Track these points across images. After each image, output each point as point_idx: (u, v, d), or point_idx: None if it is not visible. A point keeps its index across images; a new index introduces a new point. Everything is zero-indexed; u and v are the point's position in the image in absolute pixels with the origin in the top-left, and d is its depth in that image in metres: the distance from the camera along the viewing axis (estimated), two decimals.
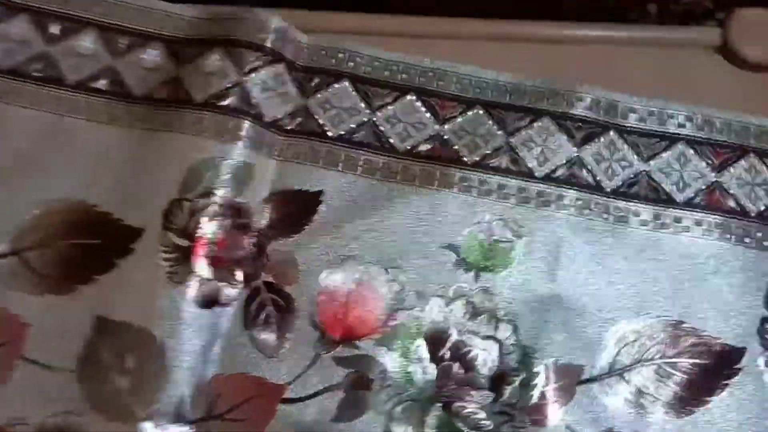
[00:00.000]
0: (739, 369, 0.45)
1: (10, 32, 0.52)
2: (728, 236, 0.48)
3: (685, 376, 0.45)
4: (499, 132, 0.51)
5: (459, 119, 0.51)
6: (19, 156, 0.49)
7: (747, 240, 0.48)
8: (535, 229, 0.48)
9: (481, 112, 0.52)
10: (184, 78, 0.51)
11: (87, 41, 0.52)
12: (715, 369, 0.45)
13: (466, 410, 0.43)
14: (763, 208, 0.49)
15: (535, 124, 0.51)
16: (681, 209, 0.49)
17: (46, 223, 0.47)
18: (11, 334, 0.44)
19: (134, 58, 0.52)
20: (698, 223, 0.48)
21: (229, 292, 0.46)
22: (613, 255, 0.47)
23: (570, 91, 0.51)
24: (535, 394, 0.44)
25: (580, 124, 0.50)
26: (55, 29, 0.52)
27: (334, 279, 0.46)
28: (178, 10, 0.53)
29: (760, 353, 0.45)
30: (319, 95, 0.52)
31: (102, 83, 0.51)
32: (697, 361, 0.45)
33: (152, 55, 0.52)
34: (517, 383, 0.44)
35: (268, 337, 0.45)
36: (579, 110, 0.51)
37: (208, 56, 0.51)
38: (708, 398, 0.44)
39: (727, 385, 0.44)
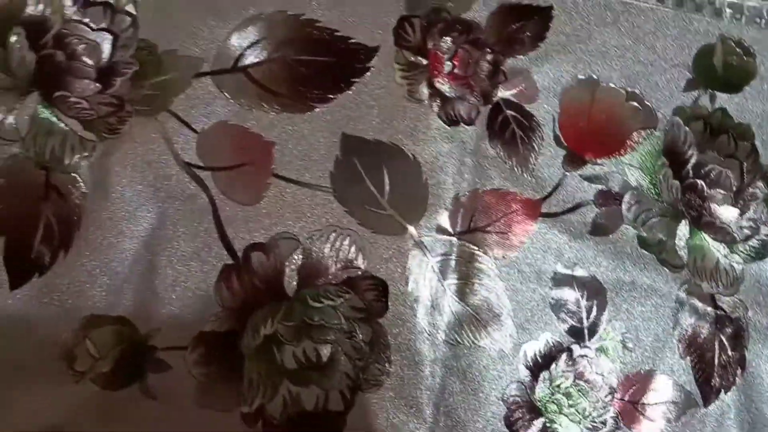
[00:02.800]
0: None
1: None
2: None
3: None
4: None
5: None
6: None
7: None
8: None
9: None
10: None
11: None
12: None
13: (711, 224, 0.44)
14: None
15: None
16: None
17: (270, 38, 0.44)
18: (256, 152, 0.43)
19: None
20: None
21: (470, 109, 0.44)
22: None
23: None
24: None
25: None
26: None
27: (574, 98, 0.45)
28: None
29: None
30: None
31: None
32: None
33: None
34: (758, 201, 0.45)
35: (516, 154, 0.44)
36: None
37: None
38: None
39: None
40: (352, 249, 0.42)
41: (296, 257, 0.41)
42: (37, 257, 0.39)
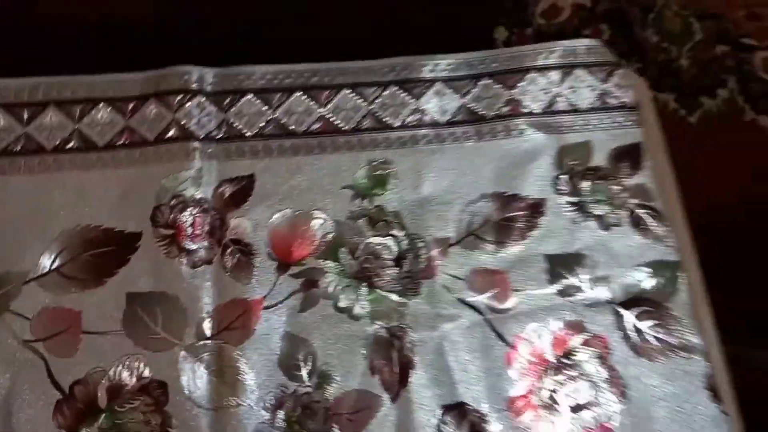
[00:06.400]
0: (542, 212, 0.70)
1: None
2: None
3: (516, 226, 0.69)
4: (363, 103, 0.75)
5: (334, 100, 0.75)
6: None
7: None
8: (401, 161, 0.72)
9: (347, 92, 0.75)
10: (134, 126, 0.73)
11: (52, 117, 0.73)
12: (527, 216, 0.70)
13: (382, 281, 0.67)
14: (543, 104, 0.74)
15: (384, 93, 0.75)
16: (493, 122, 0.73)
17: (70, 245, 0.68)
18: (70, 321, 0.65)
19: (90, 120, 0.73)
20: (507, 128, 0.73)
21: (208, 253, 0.68)
22: (459, 163, 0.72)
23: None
24: (423, 260, 0.68)
25: (420, 83, 0.75)
26: (24, 114, 0.73)
27: (278, 226, 0.69)
28: (119, 78, 0.75)
29: (556, 197, 0.71)
30: (233, 109, 0.74)
31: (72, 143, 0.72)
32: (521, 213, 0.70)
33: (104, 114, 0.74)
34: (411, 257, 0.68)
35: (243, 273, 0.67)
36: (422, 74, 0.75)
37: (147, 106, 0.73)
38: (527, 233, 0.69)
39: (536, 224, 0.70)
40: (140, 365, 0.63)
41: (104, 382, 0.62)
42: None
